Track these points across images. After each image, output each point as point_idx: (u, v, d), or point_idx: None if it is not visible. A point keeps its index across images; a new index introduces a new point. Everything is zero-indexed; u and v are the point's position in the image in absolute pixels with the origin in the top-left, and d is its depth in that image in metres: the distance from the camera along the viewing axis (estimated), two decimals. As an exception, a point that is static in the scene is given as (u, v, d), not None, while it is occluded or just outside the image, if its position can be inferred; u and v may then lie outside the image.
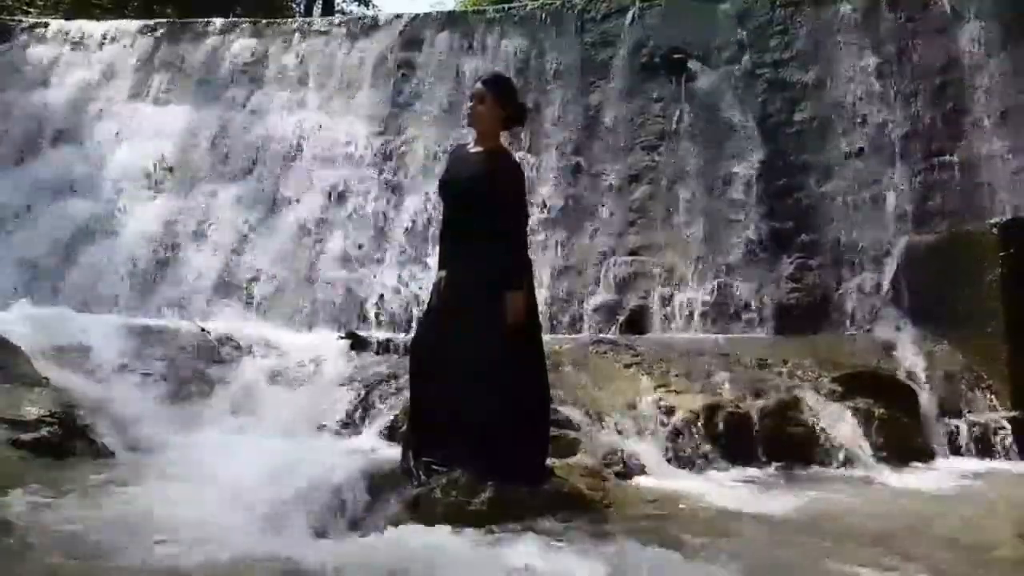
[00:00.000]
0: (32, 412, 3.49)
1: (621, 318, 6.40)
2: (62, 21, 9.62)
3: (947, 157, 6.57)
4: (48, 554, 2.27)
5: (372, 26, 8.38)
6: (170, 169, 7.84)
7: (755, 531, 2.91)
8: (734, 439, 4.13)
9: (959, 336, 5.07)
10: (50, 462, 3.26)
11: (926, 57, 6.93)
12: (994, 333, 4.79)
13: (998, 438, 4.38)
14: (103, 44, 8.72)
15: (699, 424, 4.14)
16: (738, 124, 7.04)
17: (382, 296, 6.88)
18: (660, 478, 3.73)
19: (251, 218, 7.46)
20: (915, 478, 3.90)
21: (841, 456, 4.16)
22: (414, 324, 6.14)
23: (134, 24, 9.04)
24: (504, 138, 3.63)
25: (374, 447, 3.88)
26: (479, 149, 3.39)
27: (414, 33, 8.15)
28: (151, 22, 9.08)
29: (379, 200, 7.38)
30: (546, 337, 3.75)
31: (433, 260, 6.38)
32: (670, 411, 4.20)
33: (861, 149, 6.75)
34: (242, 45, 8.44)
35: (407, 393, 3.69)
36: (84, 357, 4.55)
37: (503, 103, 3.38)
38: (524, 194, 3.45)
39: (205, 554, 2.35)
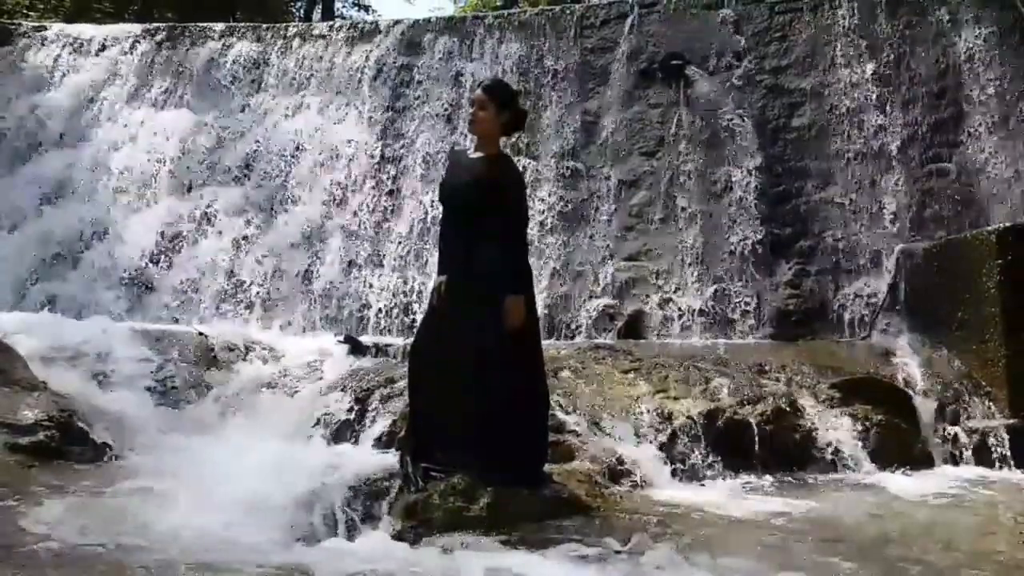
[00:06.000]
0: (30, 416, 3.49)
1: (619, 323, 6.40)
2: (62, 24, 9.63)
3: (945, 164, 6.59)
4: (42, 557, 2.27)
5: (372, 31, 8.40)
6: (169, 173, 7.84)
7: (752, 536, 2.91)
8: (732, 445, 4.12)
9: (957, 343, 5.08)
10: (48, 466, 3.26)
11: (924, 64, 6.96)
12: (992, 340, 4.80)
13: (996, 445, 4.38)
14: (103, 48, 8.73)
15: (697, 430, 4.13)
16: (736, 130, 7.05)
17: (381, 300, 6.87)
18: (658, 484, 3.72)
19: (250, 222, 7.46)
20: (913, 485, 3.90)
21: (839, 462, 4.16)
22: (413, 329, 6.14)
23: (134, 28, 9.05)
24: (504, 143, 3.64)
25: (372, 452, 3.87)
26: (480, 154, 3.41)
27: (414, 38, 8.16)
28: (151, 26, 9.09)
29: (378, 204, 7.38)
30: (544, 342, 3.75)
31: (432, 264, 6.41)
32: (668, 417, 4.20)
33: (859, 155, 6.77)
34: (242, 49, 8.45)
35: (405, 398, 3.69)
36: (82, 361, 4.54)
37: (504, 108, 3.39)
38: (524, 199, 3.47)
39: (195, 558, 2.34)
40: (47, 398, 3.74)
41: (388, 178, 7.51)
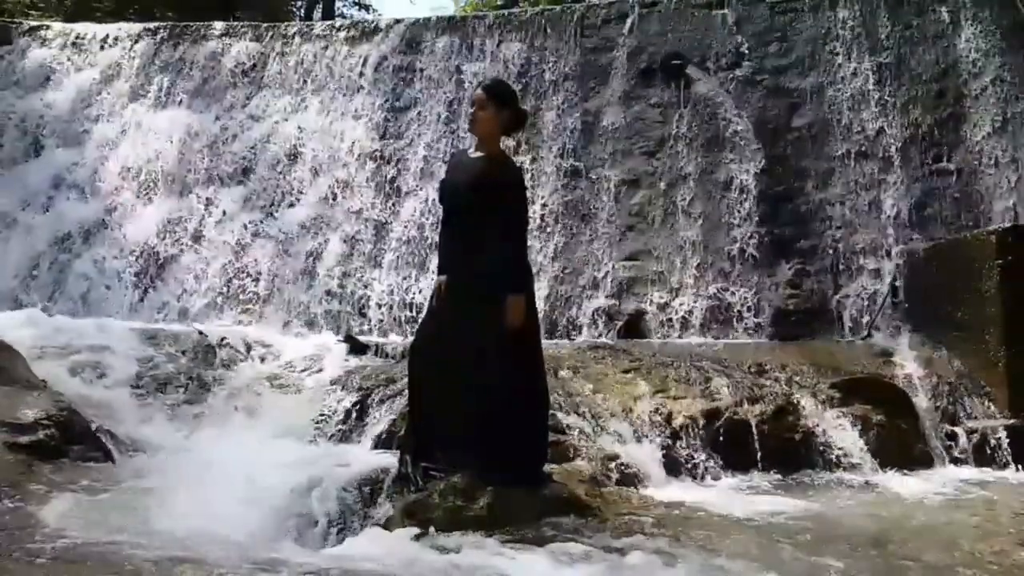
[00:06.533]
0: (30, 415, 3.48)
1: (619, 323, 6.41)
2: (63, 23, 9.63)
3: (945, 164, 6.59)
4: (41, 556, 2.27)
5: (372, 30, 8.40)
6: (170, 171, 7.84)
7: (752, 537, 2.91)
8: (732, 445, 4.12)
9: (957, 343, 5.08)
10: (48, 464, 3.26)
11: (924, 64, 6.96)
12: (992, 340, 4.80)
13: (996, 445, 4.38)
14: (104, 47, 8.73)
15: (698, 430, 4.14)
16: (737, 129, 7.05)
17: (380, 299, 6.88)
18: (658, 484, 3.73)
19: (250, 221, 7.47)
20: (913, 484, 3.90)
21: (839, 462, 4.16)
22: (413, 327, 6.14)
23: (135, 27, 9.04)
24: (504, 143, 3.65)
25: (371, 451, 3.87)
26: (480, 154, 3.40)
27: (414, 37, 8.16)
28: (152, 25, 9.09)
29: (378, 204, 7.39)
30: (544, 342, 3.75)
31: (432, 264, 6.41)
32: (668, 417, 4.20)
33: (859, 155, 6.76)
34: (242, 48, 8.45)
35: (405, 398, 3.69)
36: (81, 360, 4.55)
37: (504, 108, 3.39)
38: (525, 199, 3.46)
39: (193, 555, 2.35)
40: (47, 397, 3.74)
41: (388, 177, 7.51)
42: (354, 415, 4.24)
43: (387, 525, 2.91)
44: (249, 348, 5.14)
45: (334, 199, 7.48)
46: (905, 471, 4.13)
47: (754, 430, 4.18)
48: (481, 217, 3.25)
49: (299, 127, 7.88)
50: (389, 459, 3.48)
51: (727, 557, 2.57)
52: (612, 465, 3.71)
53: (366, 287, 6.97)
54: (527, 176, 6.93)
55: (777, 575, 2.44)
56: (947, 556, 2.70)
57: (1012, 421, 4.49)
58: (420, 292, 6.70)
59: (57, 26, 9.23)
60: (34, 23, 9.55)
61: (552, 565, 2.45)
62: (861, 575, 2.51)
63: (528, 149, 7.31)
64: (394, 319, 6.78)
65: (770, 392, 4.50)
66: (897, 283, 5.98)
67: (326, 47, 8.32)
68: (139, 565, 2.23)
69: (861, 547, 2.79)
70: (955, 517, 3.28)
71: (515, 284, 3.22)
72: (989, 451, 4.38)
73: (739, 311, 6.30)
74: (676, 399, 4.37)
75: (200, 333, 5.20)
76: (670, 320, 6.35)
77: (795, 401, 4.44)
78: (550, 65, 7.71)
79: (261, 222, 7.46)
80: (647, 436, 4.07)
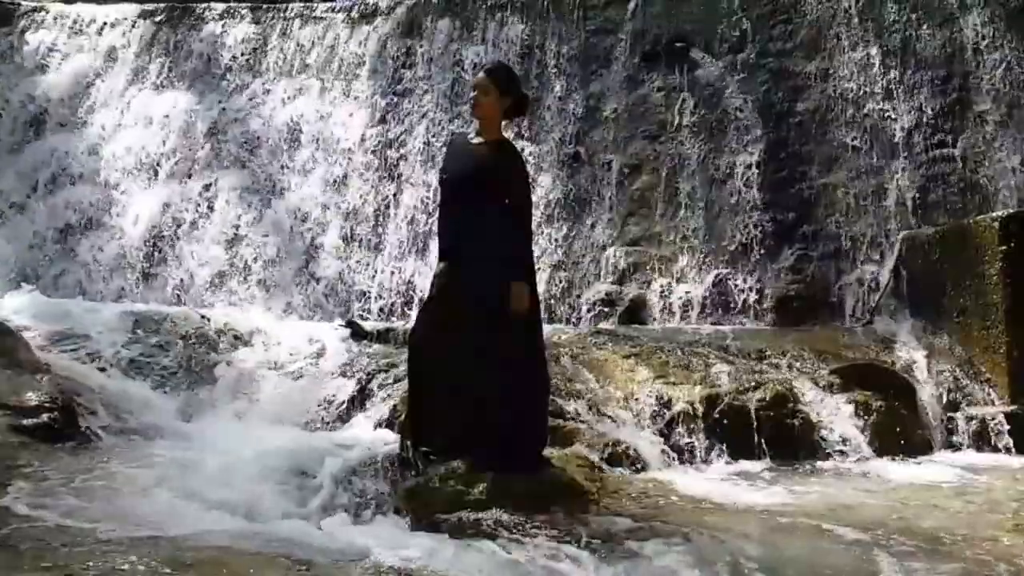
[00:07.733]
0: (32, 398, 3.51)
1: (620, 309, 6.40)
2: (62, 6, 9.53)
3: (950, 149, 6.54)
4: (44, 540, 2.29)
5: (372, 13, 8.32)
6: (169, 156, 7.82)
7: (751, 523, 2.92)
8: (732, 431, 4.13)
9: (959, 329, 5.07)
10: (50, 448, 3.28)
11: (930, 48, 6.88)
12: (994, 327, 4.79)
13: (996, 432, 4.39)
14: (102, 29, 8.67)
15: (697, 416, 4.14)
16: (740, 114, 7.00)
17: (381, 285, 6.88)
18: (657, 469, 3.75)
19: (250, 206, 7.45)
20: (913, 471, 3.91)
21: (839, 448, 4.17)
22: (413, 313, 6.14)
23: (134, 9, 8.97)
24: (506, 127, 3.62)
25: (372, 436, 3.89)
26: (481, 139, 3.39)
27: (415, 20, 8.09)
28: (151, 7, 9.01)
29: (378, 188, 7.36)
30: (545, 327, 3.76)
31: (433, 249, 6.40)
32: (668, 402, 4.21)
33: (863, 140, 6.72)
34: (241, 31, 8.39)
35: (405, 383, 3.70)
36: (84, 344, 4.56)
37: (506, 93, 3.36)
38: (527, 184, 3.46)
39: (192, 540, 2.36)
40: (50, 381, 3.76)
41: (389, 162, 7.48)
42: (355, 400, 4.26)
43: (387, 509, 2.93)
44: (250, 333, 5.15)
45: (334, 183, 7.45)
46: (905, 457, 4.14)
47: (754, 416, 4.18)
48: (482, 203, 3.23)
49: (299, 111, 7.83)
50: (390, 444, 3.49)
51: (728, 545, 2.58)
52: (611, 450, 3.73)
53: (367, 272, 6.97)
54: (528, 161, 6.89)
55: (779, 562, 2.44)
56: (947, 541, 2.71)
57: (1012, 408, 4.50)
58: (421, 277, 6.69)
59: (55, 8, 9.15)
60: (33, 4, 9.47)
61: (548, 549, 2.46)
62: (862, 560, 2.51)
63: (529, 134, 7.27)
64: (395, 304, 6.78)
65: (770, 378, 4.50)
66: (900, 272, 5.95)
67: (326, 30, 8.25)
68: (148, 546, 2.24)
69: (861, 532, 2.80)
70: (955, 503, 3.29)
71: (517, 271, 3.21)
72: (989, 438, 4.39)
73: (741, 297, 6.29)
74: (676, 385, 4.38)
75: (202, 317, 5.21)
76: (671, 306, 6.35)
77: (795, 387, 4.44)
78: (552, 48, 7.64)
79: (261, 206, 7.44)
80: (647, 422, 4.08)
